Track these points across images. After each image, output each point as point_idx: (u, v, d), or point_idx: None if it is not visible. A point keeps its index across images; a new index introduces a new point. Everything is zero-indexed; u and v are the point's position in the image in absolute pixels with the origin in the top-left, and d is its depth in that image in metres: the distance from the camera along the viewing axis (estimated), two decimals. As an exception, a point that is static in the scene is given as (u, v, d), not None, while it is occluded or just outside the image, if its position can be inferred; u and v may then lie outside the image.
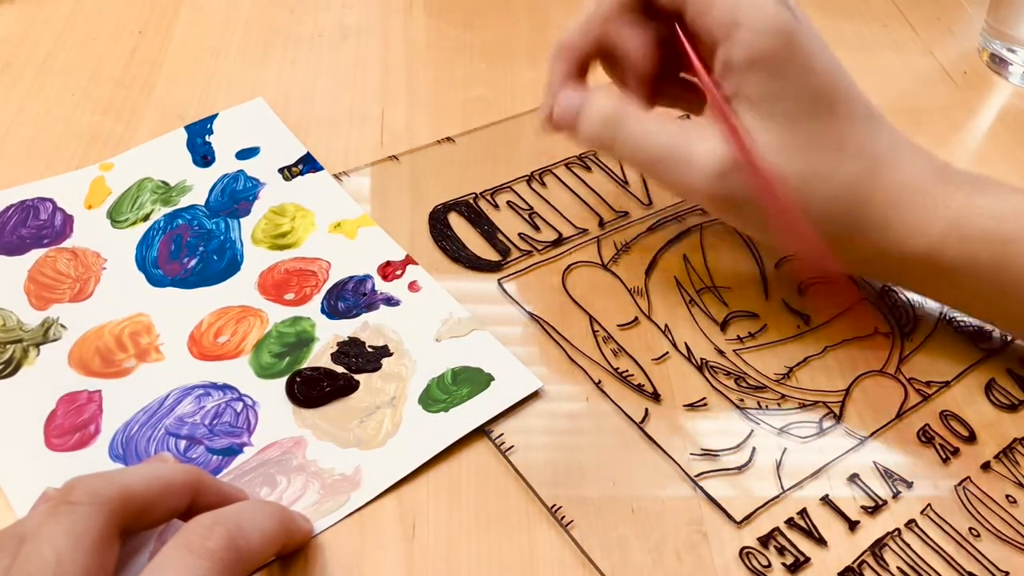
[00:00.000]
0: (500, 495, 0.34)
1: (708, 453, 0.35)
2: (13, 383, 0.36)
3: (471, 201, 0.45)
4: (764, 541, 0.33)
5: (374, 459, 0.34)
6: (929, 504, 0.34)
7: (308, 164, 0.45)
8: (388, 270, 0.41)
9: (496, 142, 0.48)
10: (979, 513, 0.34)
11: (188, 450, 0.34)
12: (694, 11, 0.35)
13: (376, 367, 0.37)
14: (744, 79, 0.34)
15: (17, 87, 0.50)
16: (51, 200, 0.43)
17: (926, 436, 0.37)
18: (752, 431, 0.36)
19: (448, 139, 0.48)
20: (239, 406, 0.36)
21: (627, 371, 0.38)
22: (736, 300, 0.41)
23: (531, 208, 0.45)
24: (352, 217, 0.43)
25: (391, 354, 0.38)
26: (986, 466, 0.36)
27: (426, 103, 0.51)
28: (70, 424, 0.34)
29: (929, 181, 0.36)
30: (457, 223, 0.44)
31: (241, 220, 0.43)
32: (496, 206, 0.45)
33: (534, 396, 0.36)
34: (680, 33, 0.36)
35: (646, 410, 0.37)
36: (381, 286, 0.40)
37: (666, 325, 0.40)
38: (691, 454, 0.35)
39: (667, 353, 0.39)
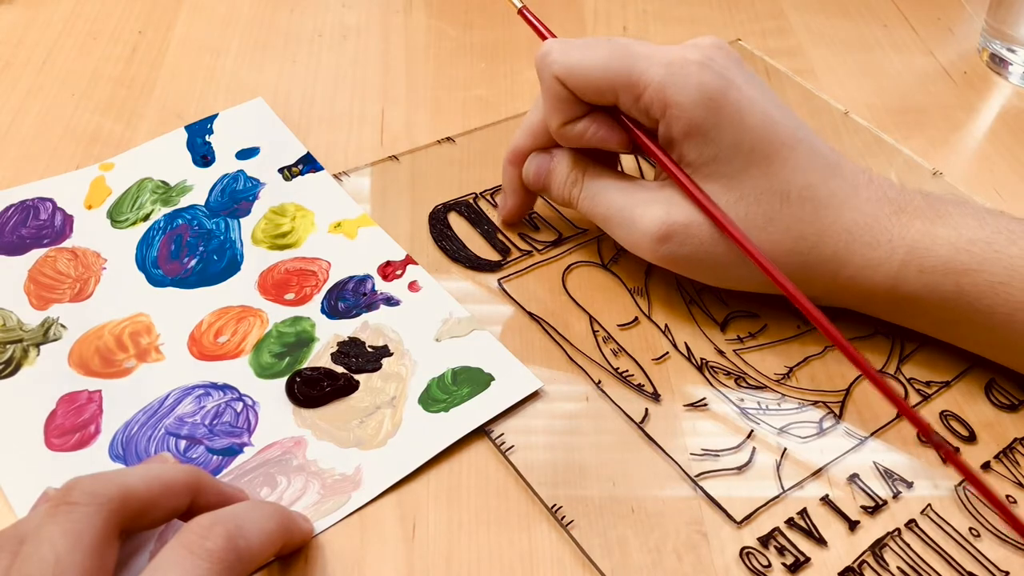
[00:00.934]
0: (500, 495, 0.34)
1: (708, 453, 0.35)
2: (13, 383, 0.36)
3: (471, 201, 0.45)
4: (764, 541, 0.33)
5: (374, 459, 0.34)
6: (929, 504, 0.34)
7: (308, 164, 0.45)
8: (388, 270, 0.41)
9: (496, 142, 0.48)
10: (979, 513, 0.34)
11: (188, 450, 0.34)
12: (627, 102, 0.37)
13: (376, 367, 0.37)
14: (683, 148, 0.36)
15: (17, 87, 0.50)
16: (51, 200, 0.43)
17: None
18: (752, 431, 0.36)
19: (448, 139, 0.48)
20: (239, 406, 0.35)
21: (627, 371, 0.38)
22: (736, 300, 0.41)
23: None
24: (352, 217, 0.43)
25: (391, 354, 0.38)
26: (986, 466, 0.36)
27: (426, 103, 0.51)
28: (70, 424, 0.34)
29: (883, 215, 0.36)
30: (457, 223, 0.44)
31: (241, 220, 0.43)
32: (496, 206, 0.45)
33: (534, 396, 0.36)
34: (622, 118, 0.38)
35: (646, 410, 0.37)
36: (381, 286, 0.40)
37: (666, 325, 0.40)
38: (691, 454, 0.35)
39: (667, 353, 0.39)
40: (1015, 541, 0.33)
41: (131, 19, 0.55)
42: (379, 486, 0.33)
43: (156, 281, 0.40)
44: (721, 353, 0.39)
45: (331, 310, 0.39)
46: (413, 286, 0.40)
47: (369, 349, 0.38)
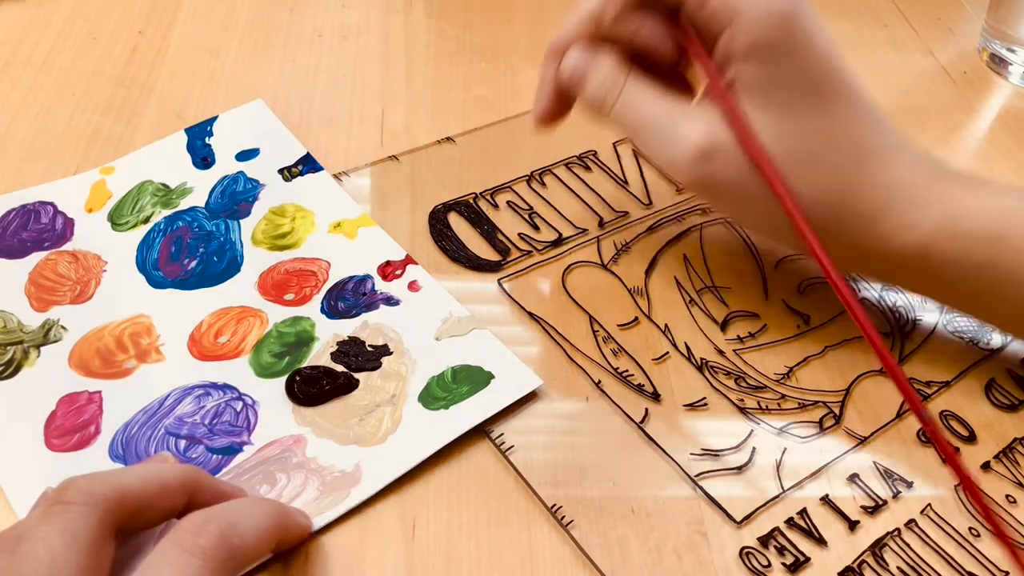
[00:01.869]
0: (500, 495, 0.34)
1: (708, 453, 0.35)
2: (13, 384, 0.36)
3: (471, 201, 0.45)
4: (764, 541, 0.33)
5: (374, 456, 0.34)
6: (929, 504, 0.34)
7: (308, 165, 0.45)
8: (388, 270, 0.41)
9: (496, 142, 0.48)
10: (979, 513, 0.34)
11: (188, 450, 0.34)
12: (693, 4, 0.35)
13: (376, 366, 0.37)
14: (743, 66, 0.34)
15: (17, 87, 0.50)
16: (52, 204, 0.43)
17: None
18: (752, 431, 0.36)
19: (448, 139, 0.48)
20: (239, 405, 0.36)
21: (627, 371, 0.38)
22: (736, 300, 0.41)
23: (531, 208, 0.45)
24: (352, 217, 0.43)
25: (391, 353, 0.38)
26: (986, 466, 0.36)
27: (426, 103, 0.51)
28: (70, 424, 0.34)
29: (921, 179, 0.35)
30: (457, 223, 0.44)
31: (241, 221, 0.43)
32: (496, 206, 0.45)
33: (534, 396, 0.36)
34: (682, 21, 0.36)
35: (646, 410, 0.37)
36: (381, 286, 0.40)
37: (666, 325, 0.40)
38: (691, 454, 0.35)
39: (667, 353, 0.39)
40: (1015, 541, 0.33)
41: (131, 19, 0.55)
42: (378, 482, 0.33)
43: (156, 283, 0.40)
44: (721, 353, 0.39)
45: (331, 310, 0.39)
46: (413, 286, 0.40)
47: (369, 348, 0.38)
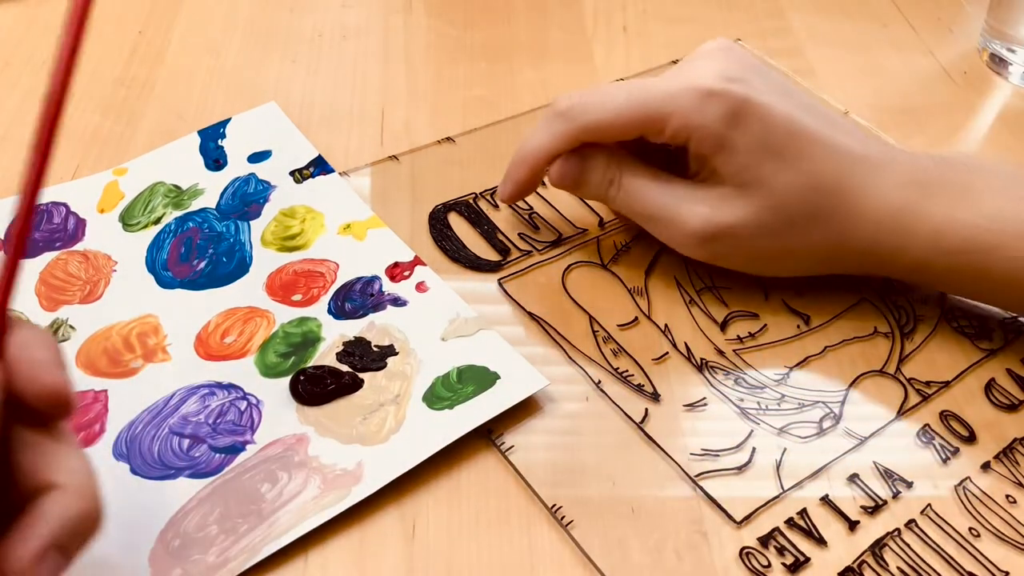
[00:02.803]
0: (500, 495, 0.34)
1: (708, 453, 0.35)
2: None
3: (471, 201, 0.45)
4: (764, 541, 0.33)
5: (376, 455, 0.34)
6: (929, 504, 0.34)
7: (319, 167, 0.46)
8: (396, 271, 0.41)
9: (496, 142, 0.48)
10: (979, 513, 0.34)
11: (191, 448, 0.34)
12: (652, 136, 0.38)
13: (381, 366, 0.37)
14: (715, 163, 0.37)
15: (17, 87, 0.50)
16: (65, 204, 0.43)
17: (926, 436, 0.37)
18: (752, 431, 0.36)
19: (448, 139, 0.48)
20: (243, 404, 0.36)
21: (627, 371, 0.38)
22: (736, 300, 0.41)
23: (531, 208, 0.45)
24: (362, 219, 0.43)
25: (396, 353, 0.38)
26: (986, 466, 0.36)
27: (426, 103, 0.51)
28: (75, 423, 0.35)
29: (910, 200, 0.37)
30: (457, 223, 0.44)
31: (251, 222, 0.43)
32: (496, 206, 0.45)
33: (534, 396, 0.36)
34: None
35: (646, 410, 0.37)
36: (388, 287, 0.40)
37: (666, 325, 0.40)
38: (691, 454, 0.35)
39: (667, 353, 0.39)
40: (1015, 541, 0.33)
41: (131, 19, 0.55)
42: (380, 481, 0.33)
43: (165, 283, 0.40)
44: (721, 353, 0.39)
45: (338, 311, 0.39)
46: (421, 287, 0.40)
47: (375, 348, 0.38)
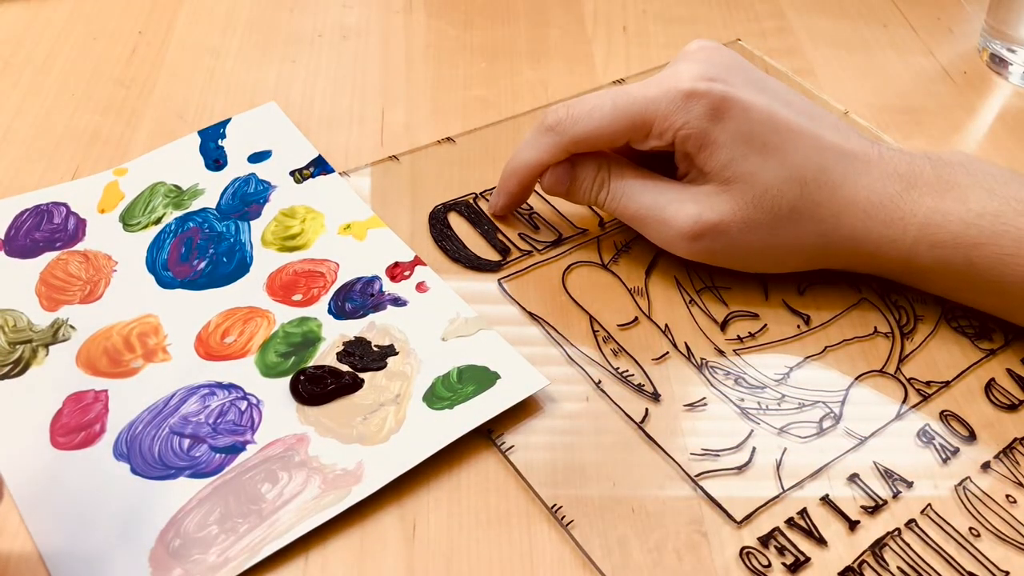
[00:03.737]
0: (500, 495, 0.34)
1: (708, 453, 0.35)
2: (21, 382, 0.36)
3: (471, 201, 0.45)
4: (764, 541, 0.33)
5: (376, 454, 0.34)
6: (929, 504, 0.34)
7: (320, 167, 0.46)
8: (396, 271, 0.41)
9: (496, 142, 0.48)
10: (979, 513, 0.34)
11: (191, 448, 0.34)
12: (638, 141, 0.39)
13: (381, 366, 0.37)
14: (700, 160, 0.38)
15: (17, 87, 0.50)
16: (65, 204, 0.43)
17: (926, 436, 0.37)
18: (752, 431, 0.36)
19: (448, 139, 0.48)
20: (243, 404, 0.36)
21: (627, 371, 0.38)
22: (736, 300, 0.41)
23: (531, 208, 0.45)
24: (362, 219, 0.43)
25: (397, 353, 0.38)
26: (986, 466, 0.36)
27: (426, 103, 0.51)
28: (75, 423, 0.35)
29: (895, 192, 0.38)
30: (457, 223, 0.44)
31: (251, 222, 0.43)
32: (496, 206, 0.45)
33: (534, 396, 0.36)
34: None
35: (646, 410, 0.37)
36: (389, 287, 0.40)
37: (666, 325, 0.40)
38: (691, 454, 0.35)
39: (667, 353, 0.39)
40: (1015, 541, 0.33)
41: (131, 19, 0.55)
42: (380, 480, 0.33)
43: (165, 283, 0.40)
44: (721, 353, 0.39)
45: (338, 311, 0.39)
46: (421, 287, 0.40)
47: (375, 348, 0.38)
